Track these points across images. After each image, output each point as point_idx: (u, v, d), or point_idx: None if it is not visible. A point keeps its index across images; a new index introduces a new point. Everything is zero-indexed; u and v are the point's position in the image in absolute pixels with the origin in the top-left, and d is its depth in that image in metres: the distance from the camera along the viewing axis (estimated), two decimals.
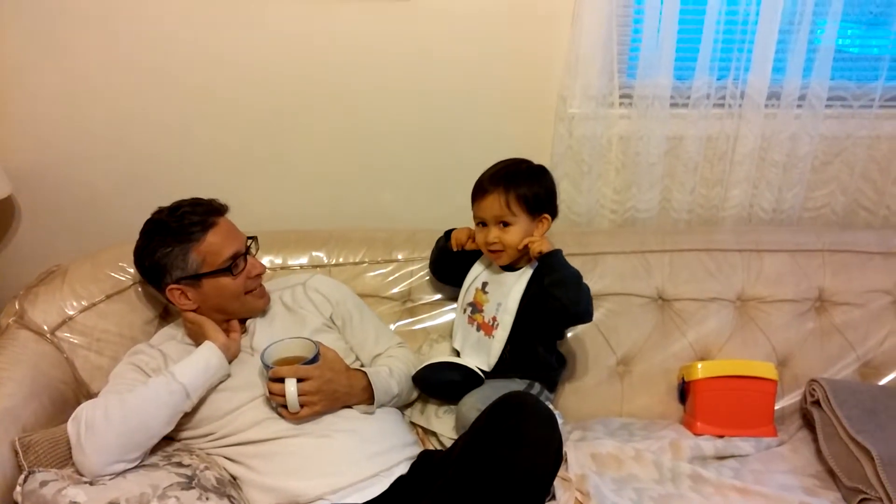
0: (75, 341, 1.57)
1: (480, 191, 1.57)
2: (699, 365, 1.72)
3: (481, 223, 1.59)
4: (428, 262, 1.83)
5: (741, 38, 1.85)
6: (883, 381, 1.81)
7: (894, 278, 1.85)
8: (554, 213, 1.61)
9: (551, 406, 1.64)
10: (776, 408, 1.77)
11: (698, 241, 1.89)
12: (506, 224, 1.55)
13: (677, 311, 1.85)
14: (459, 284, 1.72)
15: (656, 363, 1.82)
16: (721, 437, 1.68)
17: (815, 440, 1.66)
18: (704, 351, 1.83)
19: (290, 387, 1.36)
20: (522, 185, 1.54)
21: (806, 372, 1.80)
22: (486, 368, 1.61)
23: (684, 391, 1.77)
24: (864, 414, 1.61)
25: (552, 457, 1.20)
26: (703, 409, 1.70)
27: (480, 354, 1.62)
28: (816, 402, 1.70)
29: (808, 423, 1.74)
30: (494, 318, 1.60)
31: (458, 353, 1.68)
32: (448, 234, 1.72)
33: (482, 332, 1.62)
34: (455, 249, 1.68)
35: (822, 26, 1.83)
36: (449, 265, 1.74)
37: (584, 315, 1.57)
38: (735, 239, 1.90)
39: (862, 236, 1.91)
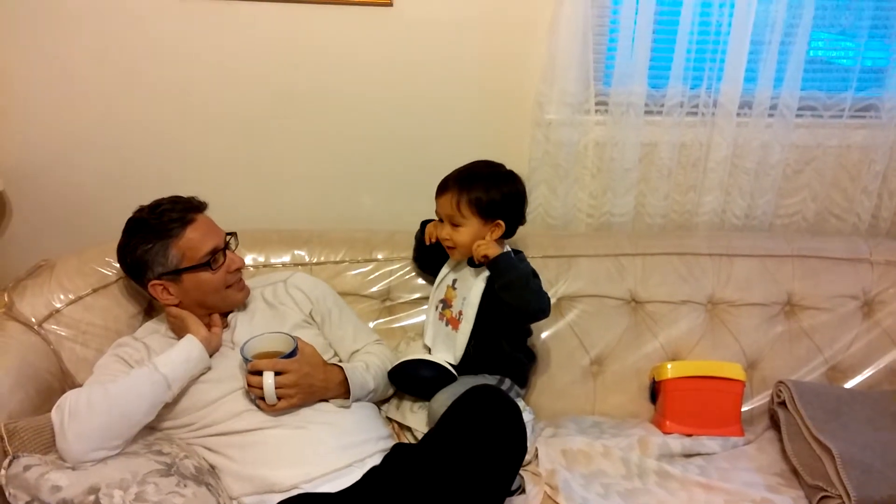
0: (62, 333, 1.61)
1: (440, 188, 1.63)
2: (669, 365, 1.77)
3: (440, 218, 1.65)
4: (407, 261, 1.89)
5: (714, 47, 1.90)
6: (849, 384, 1.85)
7: (861, 284, 1.90)
8: (511, 219, 1.63)
9: (519, 401, 1.68)
10: (745, 409, 1.82)
11: (671, 246, 1.94)
12: (455, 224, 1.60)
13: (649, 312, 1.89)
14: (426, 271, 1.80)
15: (628, 363, 1.86)
16: (689, 435, 1.72)
17: (781, 440, 1.70)
18: (675, 352, 1.87)
19: (268, 380, 1.41)
20: (477, 189, 1.58)
21: (774, 374, 1.84)
22: (453, 362, 1.65)
23: (655, 391, 1.82)
24: (827, 414, 1.65)
25: (515, 445, 1.24)
26: (673, 408, 1.74)
27: (448, 349, 1.66)
28: (782, 403, 1.74)
29: (776, 424, 1.77)
30: (461, 313, 1.65)
31: (429, 350, 1.72)
32: (424, 224, 1.78)
33: (450, 327, 1.67)
34: (427, 244, 1.73)
35: (793, 37, 1.87)
36: (428, 255, 1.78)
37: (537, 313, 1.61)
38: (707, 244, 1.94)
39: (830, 243, 1.96)
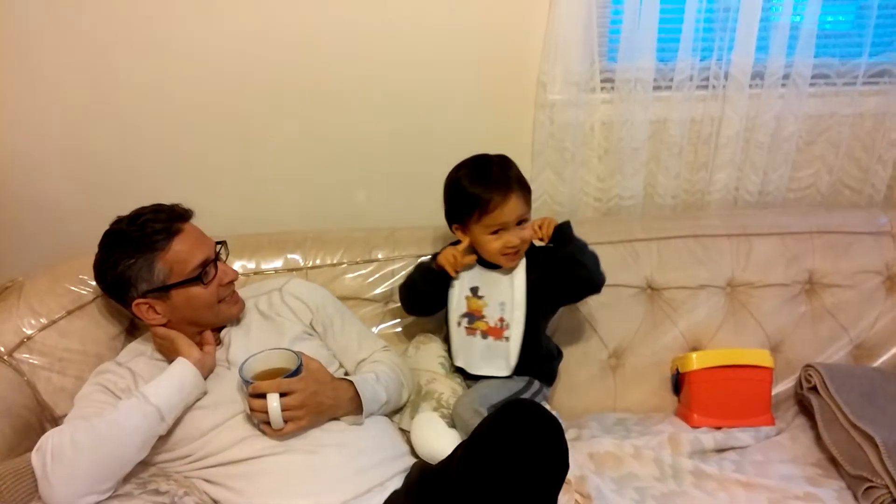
0: (35, 362, 1.48)
1: (500, 193, 1.45)
2: (694, 356, 1.68)
3: (499, 230, 1.48)
4: (410, 259, 1.76)
5: (724, 16, 1.79)
6: (876, 363, 1.79)
7: (884, 258, 1.82)
8: None
9: (545, 403, 1.58)
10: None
11: (686, 228, 1.85)
12: (523, 221, 1.50)
13: (667, 300, 1.80)
14: (431, 312, 1.66)
15: (648, 355, 1.78)
16: (719, 428, 1.64)
17: (813, 427, 1.64)
18: (696, 340, 1.79)
19: (273, 402, 1.28)
20: (524, 181, 1.51)
21: (799, 357, 1.77)
22: (505, 373, 1.55)
23: (678, 383, 1.73)
24: (862, 399, 1.59)
25: (557, 469, 1.13)
26: (700, 400, 1.66)
27: (496, 360, 1.55)
28: (813, 388, 1.66)
29: (805, 410, 1.71)
30: (502, 319, 1.53)
31: (463, 372, 1.61)
32: (424, 267, 1.59)
33: (491, 338, 1.55)
34: (456, 273, 1.54)
35: (805, 2, 1.78)
36: (435, 294, 1.60)
37: (601, 282, 1.55)
38: (723, 224, 1.85)
39: (850, 216, 1.88)
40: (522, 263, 1.53)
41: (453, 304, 1.59)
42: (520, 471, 1.11)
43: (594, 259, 1.53)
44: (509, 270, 1.53)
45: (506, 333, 1.53)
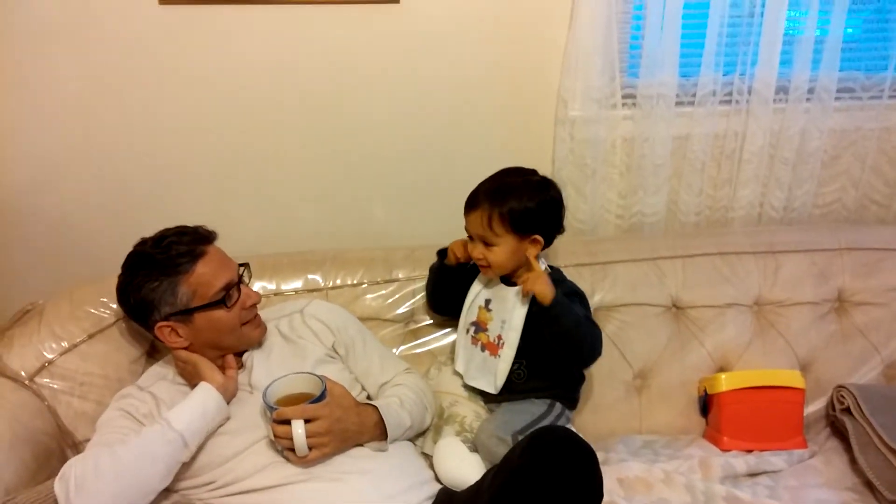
0: (56, 387, 1.46)
1: (469, 203, 1.47)
2: (723, 377, 1.65)
3: (471, 236, 1.49)
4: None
5: (748, 30, 1.78)
6: None
7: None
8: (549, 230, 1.48)
9: (570, 426, 1.55)
10: None
11: (711, 245, 1.81)
12: (489, 244, 1.45)
13: (693, 319, 1.76)
14: (452, 313, 1.63)
15: (674, 375, 1.74)
16: (750, 451, 1.60)
17: (847, 450, 1.60)
18: (724, 360, 1.75)
19: (298, 429, 1.25)
20: (509, 202, 1.41)
21: (829, 377, 1.73)
22: (492, 391, 1.52)
23: (707, 404, 1.70)
24: None
25: (594, 497, 1.10)
26: (730, 422, 1.63)
27: (486, 376, 1.53)
28: (846, 410, 1.62)
29: (837, 432, 1.67)
30: (500, 337, 1.50)
31: (460, 377, 1.60)
32: (442, 253, 1.61)
33: (487, 353, 1.53)
34: (454, 263, 1.56)
35: (829, 15, 1.76)
36: (447, 289, 1.61)
37: (589, 359, 1.51)
38: (748, 241, 1.82)
39: (879, 232, 1.85)
40: None
41: (466, 309, 1.58)
42: (555, 500, 1.08)
43: (576, 339, 1.43)
44: (518, 290, 1.48)
45: (500, 352, 1.49)
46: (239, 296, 1.40)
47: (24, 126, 1.74)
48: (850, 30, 1.86)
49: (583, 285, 1.71)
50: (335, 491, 1.28)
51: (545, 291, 1.38)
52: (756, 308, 1.79)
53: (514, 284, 1.51)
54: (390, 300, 1.74)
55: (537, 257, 1.49)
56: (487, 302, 1.55)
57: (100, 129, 1.77)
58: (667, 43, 1.75)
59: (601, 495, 1.12)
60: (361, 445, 1.37)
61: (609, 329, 1.73)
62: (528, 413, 1.50)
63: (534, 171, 1.52)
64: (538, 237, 1.45)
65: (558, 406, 1.53)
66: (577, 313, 1.43)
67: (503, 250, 1.45)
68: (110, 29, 1.68)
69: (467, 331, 1.58)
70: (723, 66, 1.80)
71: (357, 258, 1.77)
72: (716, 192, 1.94)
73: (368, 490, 1.29)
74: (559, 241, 1.72)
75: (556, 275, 1.54)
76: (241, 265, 1.45)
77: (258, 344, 1.49)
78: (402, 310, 1.74)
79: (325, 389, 1.31)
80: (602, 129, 1.83)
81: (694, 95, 1.82)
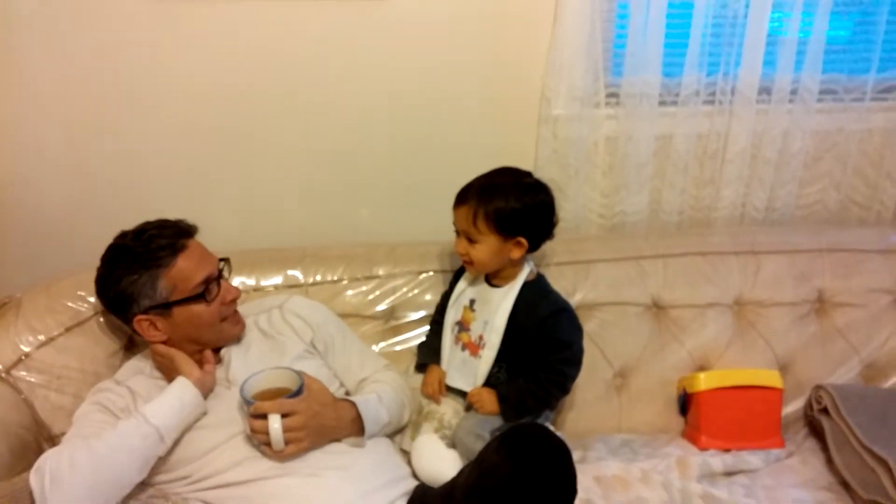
0: (33, 380, 1.45)
1: (458, 198, 1.47)
2: (702, 376, 1.65)
3: (457, 231, 1.50)
4: (411, 276, 1.75)
5: (731, 31, 1.78)
6: (887, 384, 1.75)
7: (894, 277, 1.79)
8: (535, 234, 1.47)
9: (549, 425, 1.55)
10: None
11: (693, 244, 1.82)
12: (472, 240, 1.45)
13: (674, 318, 1.77)
14: None
15: (654, 374, 1.74)
16: (727, 450, 1.61)
17: (824, 450, 1.61)
18: (704, 359, 1.76)
19: (275, 423, 1.25)
20: (496, 202, 1.41)
21: (808, 377, 1.74)
22: (469, 390, 1.51)
23: (685, 403, 1.70)
24: (875, 421, 1.55)
25: (567, 493, 1.10)
26: (708, 422, 1.63)
27: (466, 376, 1.52)
28: (824, 410, 1.63)
29: (815, 432, 1.68)
30: (481, 337, 1.50)
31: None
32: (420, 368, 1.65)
33: (468, 352, 1.53)
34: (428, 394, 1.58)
35: (813, 17, 1.77)
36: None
37: (567, 392, 1.57)
38: (730, 241, 1.83)
39: (860, 234, 1.86)
40: (515, 291, 1.48)
41: (451, 307, 1.58)
42: (527, 498, 1.08)
43: (554, 396, 1.53)
44: (504, 292, 1.49)
45: (481, 352, 1.49)
46: (219, 290, 1.40)
47: (3, 119, 1.73)
48: (842, 31, 1.87)
49: (564, 284, 1.73)
50: (311, 486, 1.28)
51: (492, 407, 1.46)
52: (736, 308, 1.79)
53: (495, 287, 1.51)
54: (371, 297, 1.74)
55: (526, 260, 1.50)
56: (472, 302, 1.55)
57: (80, 122, 1.75)
58: (651, 42, 1.75)
59: (575, 491, 1.12)
60: (339, 441, 1.36)
61: (590, 328, 1.73)
62: None
63: (528, 174, 1.52)
64: (522, 240, 1.45)
65: None
66: (530, 395, 1.47)
67: (486, 248, 1.45)
68: (91, 21, 1.66)
69: (452, 330, 1.58)
70: (706, 67, 1.80)
71: (337, 255, 1.77)
72: (698, 191, 1.95)
73: (345, 486, 1.29)
74: None
75: (541, 284, 1.54)
76: (221, 260, 1.44)
77: (237, 340, 1.49)
78: (382, 307, 1.74)
79: (303, 384, 1.31)
80: (585, 128, 1.83)
81: (677, 95, 1.82)
